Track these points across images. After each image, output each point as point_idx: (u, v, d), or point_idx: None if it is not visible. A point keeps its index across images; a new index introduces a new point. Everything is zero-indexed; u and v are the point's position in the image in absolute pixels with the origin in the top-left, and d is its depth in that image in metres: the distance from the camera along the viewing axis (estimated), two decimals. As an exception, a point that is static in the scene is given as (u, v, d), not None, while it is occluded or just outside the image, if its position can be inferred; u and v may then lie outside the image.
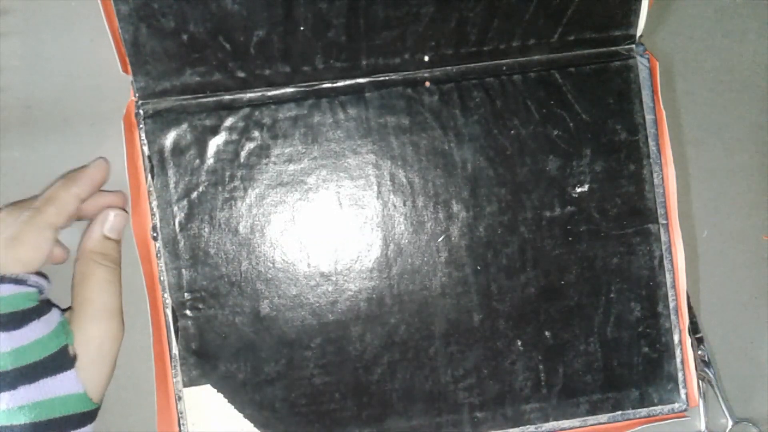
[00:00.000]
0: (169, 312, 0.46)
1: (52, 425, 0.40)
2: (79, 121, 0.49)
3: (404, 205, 0.47)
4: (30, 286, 0.41)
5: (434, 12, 0.44)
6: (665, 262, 0.48)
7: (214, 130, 0.45)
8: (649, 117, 0.48)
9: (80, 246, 0.45)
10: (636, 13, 0.46)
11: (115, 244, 0.45)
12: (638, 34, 0.47)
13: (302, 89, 0.46)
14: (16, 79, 0.49)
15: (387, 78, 0.46)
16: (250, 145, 0.46)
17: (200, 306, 0.46)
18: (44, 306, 0.41)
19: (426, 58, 0.46)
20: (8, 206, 0.43)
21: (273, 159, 0.46)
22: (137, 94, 0.45)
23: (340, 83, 0.46)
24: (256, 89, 0.45)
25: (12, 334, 0.39)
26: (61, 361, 0.41)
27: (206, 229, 0.46)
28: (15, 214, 0.42)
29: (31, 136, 0.49)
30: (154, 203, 0.46)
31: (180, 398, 0.46)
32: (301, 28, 0.44)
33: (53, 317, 0.42)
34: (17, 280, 0.40)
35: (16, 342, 0.39)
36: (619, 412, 0.48)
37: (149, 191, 0.46)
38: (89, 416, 0.43)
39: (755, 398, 0.53)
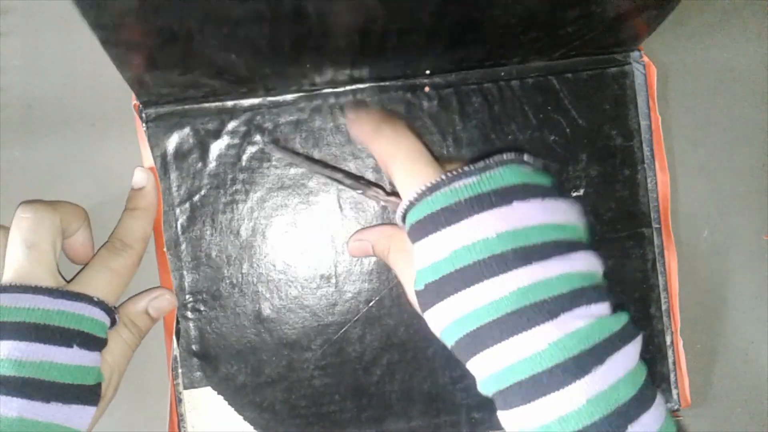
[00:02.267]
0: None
1: None
2: (79, 121, 0.49)
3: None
4: (112, 319, 0.42)
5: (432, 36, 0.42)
6: (658, 265, 0.50)
7: (216, 134, 0.46)
8: (644, 122, 0.49)
9: (121, 306, 0.46)
10: (641, 38, 0.47)
11: (151, 322, 0.46)
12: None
13: (303, 94, 0.46)
14: (16, 79, 0.49)
15: (386, 83, 0.47)
16: (251, 149, 0.46)
17: (201, 308, 0.47)
18: (105, 341, 0.42)
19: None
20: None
21: (274, 163, 0.47)
22: (139, 99, 0.45)
23: (341, 88, 0.47)
24: (257, 94, 0.46)
25: (84, 354, 0.40)
26: (91, 395, 0.41)
27: (208, 232, 0.46)
28: (111, 249, 0.44)
29: (31, 136, 0.49)
30: (157, 206, 0.47)
31: (180, 400, 0.47)
32: None
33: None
34: (109, 311, 0.42)
35: (77, 361, 0.40)
36: None
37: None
38: None
39: (755, 398, 0.54)
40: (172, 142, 0.46)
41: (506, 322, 0.33)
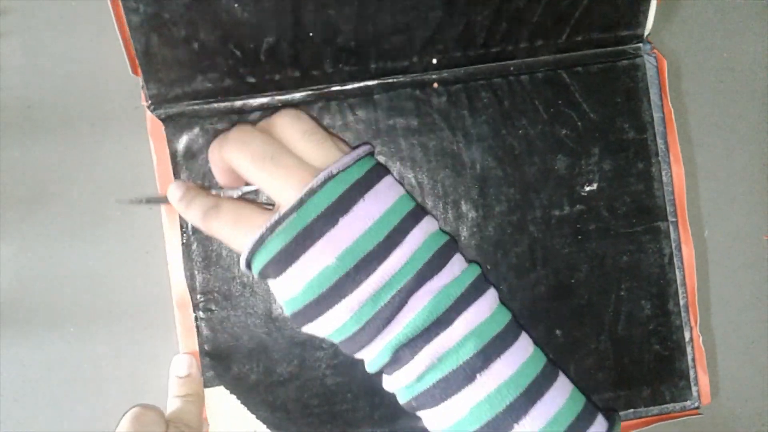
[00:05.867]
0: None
1: None
2: (79, 121, 0.56)
3: (414, 206, 0.55)
4: None
5: (442, 16, 0.52)
6: (675, 259, 0.57)
7: None
8: (657, 115, 0.56)
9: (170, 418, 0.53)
10: (644, 13, 0.54)
11: (195, 405, 0.54)
12: (646, 33, 0.55)
13: (312, 93, 0.54)
14: (16, 79, 0.56)
15: (395, 80, 0.54)
16: None
17: (213, 308, 0.54)
18: None
19: (434, 61, 0.54)
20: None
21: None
22: (149, 100, 0.52)
23: (349, 86, 0.54)
24: (266, 94, 0.53)
25: None
26: None
27: None
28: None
29: (31, 136, 0.56)
30: (166, 207, 0.54)
31: (194, 399, 0.54)
32: (310, 34, 0.51)
33: None
34: None
35: None
36: (631, 410, 0.57)
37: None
38: None
39: (755, 398, 0.61)
40: (182, 142, 0.53)
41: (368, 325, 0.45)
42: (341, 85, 0.55)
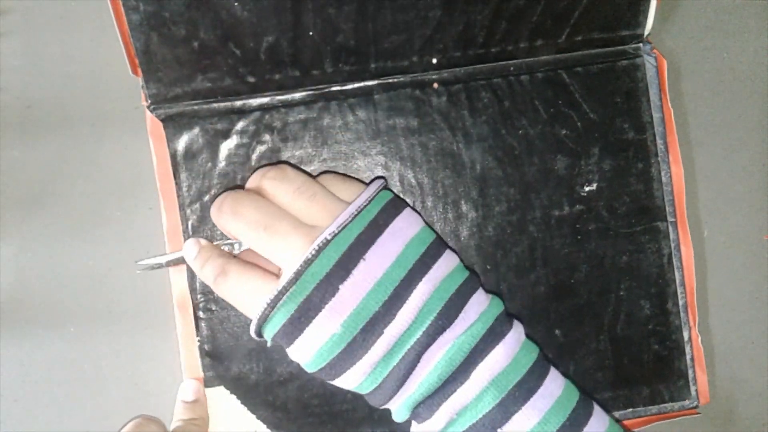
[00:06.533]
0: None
1: None
2: (79, 121, 0.56)
3: (413, 205, 0.55)
4: None
5: (442, 15, 0.52)
6: (674, 259, 0.57)
7: (226, 134, 0.53)
8: (656, 115, 0.56)
9: None
10: (644, 13, 0.54)
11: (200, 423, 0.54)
12: (646, 33, 0.55)
13: (312, 92, 0.54)
14: (16, 79, 0.56)
15: (395, 80, 0.54)
16: (261, 148, 0.54)
17: (213, 308, 0.54)
18: None
19: (434, 61, 0.54)
20: None
21: (284, 161, 0.54)
22: (149, 100, 0.53)
23: (349, 86, 0.54)
24: (266, 93, 0.53)
25: None
26: None
27: (219, 232, 0.54)
28: None
29: (31, 136, 0.56)
30: (166, 207, 0.54)
31: (194, 399, 0.54)
32: (310, 33, 0.51)
33: None
34: None
35: None
36: (630, 410, 0.57)
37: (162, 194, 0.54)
38: None
39: (755, 398, 0.61)
40: (182, 142, 0.53)
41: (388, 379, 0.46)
42: (341, 85, 0.55)
